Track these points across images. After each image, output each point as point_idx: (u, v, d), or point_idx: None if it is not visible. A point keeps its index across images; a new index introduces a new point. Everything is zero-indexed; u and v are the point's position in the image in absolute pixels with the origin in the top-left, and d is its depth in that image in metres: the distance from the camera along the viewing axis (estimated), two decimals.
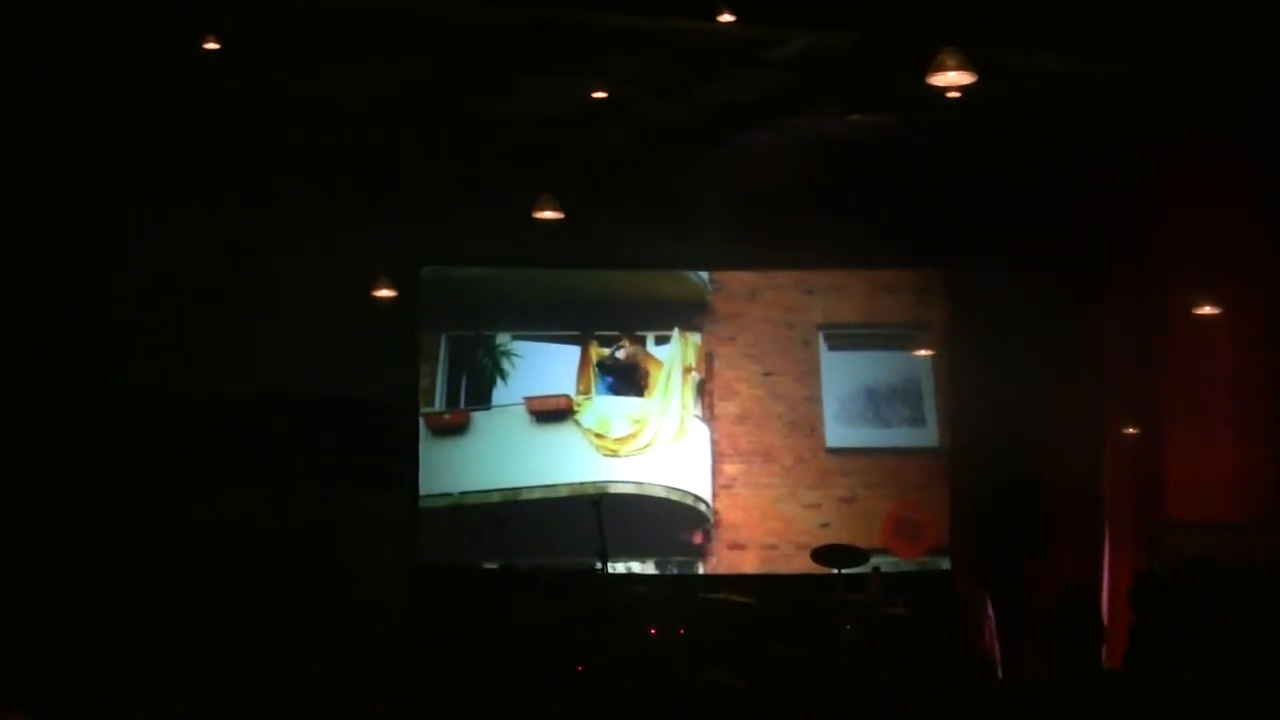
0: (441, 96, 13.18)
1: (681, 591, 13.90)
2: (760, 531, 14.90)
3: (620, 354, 15.05)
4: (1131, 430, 13.56)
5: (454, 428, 14.90)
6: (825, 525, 14.81)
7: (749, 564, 14.84)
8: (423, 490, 14.72)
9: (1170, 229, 13.26)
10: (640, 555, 14.74)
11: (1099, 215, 13.92)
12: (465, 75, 12.64)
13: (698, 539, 14.88)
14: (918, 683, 11.80)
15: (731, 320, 15.12)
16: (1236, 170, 12.60)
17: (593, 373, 15.03)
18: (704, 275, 15.16)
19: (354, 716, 9.83)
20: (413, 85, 13.02)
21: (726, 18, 10.46)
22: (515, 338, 15.01)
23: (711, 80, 12.84)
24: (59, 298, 14.05)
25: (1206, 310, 12.47)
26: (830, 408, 15.08)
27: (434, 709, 10.34)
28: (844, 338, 15.17)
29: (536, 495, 14.82)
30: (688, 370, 15.05)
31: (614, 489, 14.74)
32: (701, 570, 14.85)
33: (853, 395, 15.08)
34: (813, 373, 15.11)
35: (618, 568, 13.83)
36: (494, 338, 15.00)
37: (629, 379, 15.06)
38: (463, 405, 14.93)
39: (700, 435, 14.99)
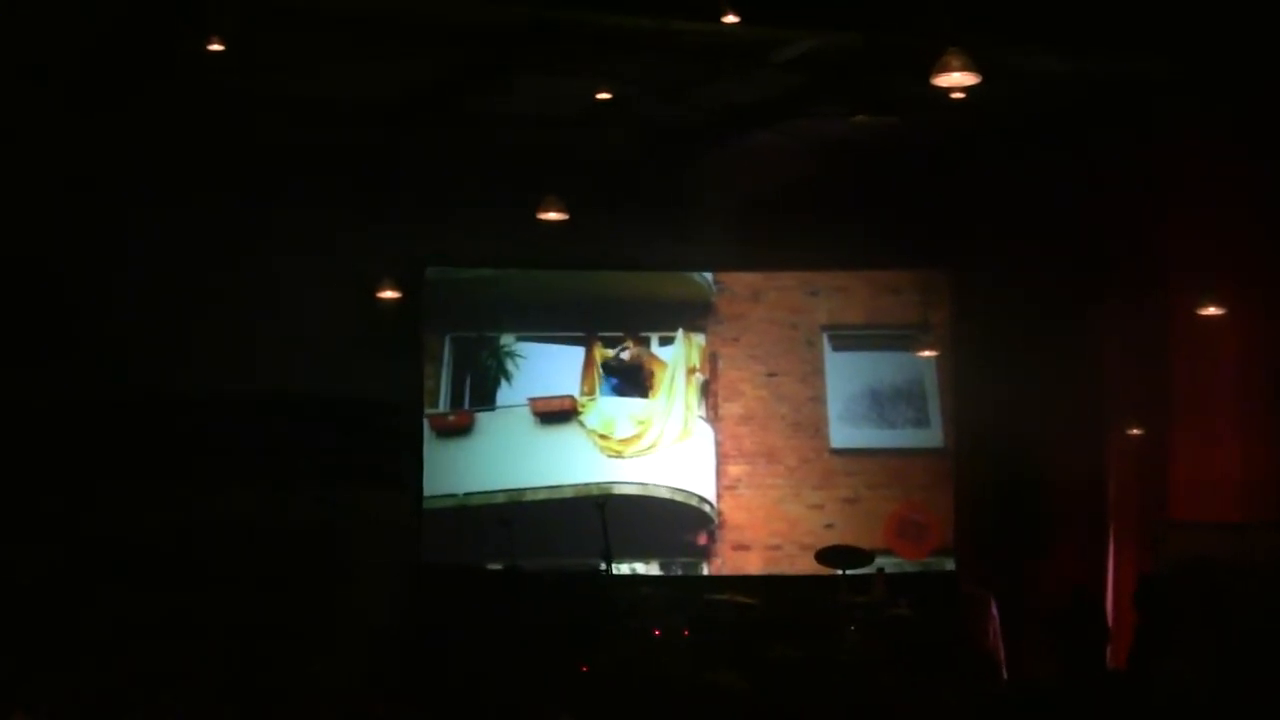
0: (444, 97, 13.19)
1: (686, 592, 13.89)
2: (764, 532, 14.89)
3: (625, 355, 15.05)
4: (1134, 431, 13.56)
5: (458, 429, 14.90)
6: (829, 526, 14.80)
7: (753, 565, 14.83)
8: (427, 491, 14.72)
9: (1172, 229, 13.26)
10: (644, 556, 14.73)
11: (1101, 215, 13.92)
12: (468, 76, 12.64)
13: (702, 540, 14.88)
14: (922, 683, 11.81)
15: (735, 321, 15.11)
16: (1237, 170, 12.60)
17: (597, 374, 15.03)
18: (708, 276, 15.15)
19: (357, 717, 9.85)
20: (415, 86, 13.03)
21: (731, 19, 10.46)
22: (519, 339, 15.01)
23: (714, 81, 12.84)
24: (60, 297, 14.06)
25: (1208, 310, 12.46)
26: (834, 408, 15.07)
27: (438, 710, 10.36)
28: (848, 338, 15.16)
29: (541, 496, 14.81)
30: (692, 371, 15.04)
31: (618, 490, 14.74)
32: (706, 571, 14.84)
33: (857, 396, 15.07)
34: (817, 373, 15.10)
35: (622, 569, 13.81)
36: (498, 339, 15.00)
37: (633, 380, 15.06)
38: (467, 406, 14.93)
39: (704, 436, 14.98)
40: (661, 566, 14.82)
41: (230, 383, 14.42)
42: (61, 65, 12.37)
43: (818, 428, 15.04)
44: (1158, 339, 13.38)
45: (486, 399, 14.94)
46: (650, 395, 15.03)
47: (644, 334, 15.09)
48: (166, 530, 13.90)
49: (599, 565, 13.04)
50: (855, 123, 13.60)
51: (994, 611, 14.10)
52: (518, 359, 14.98)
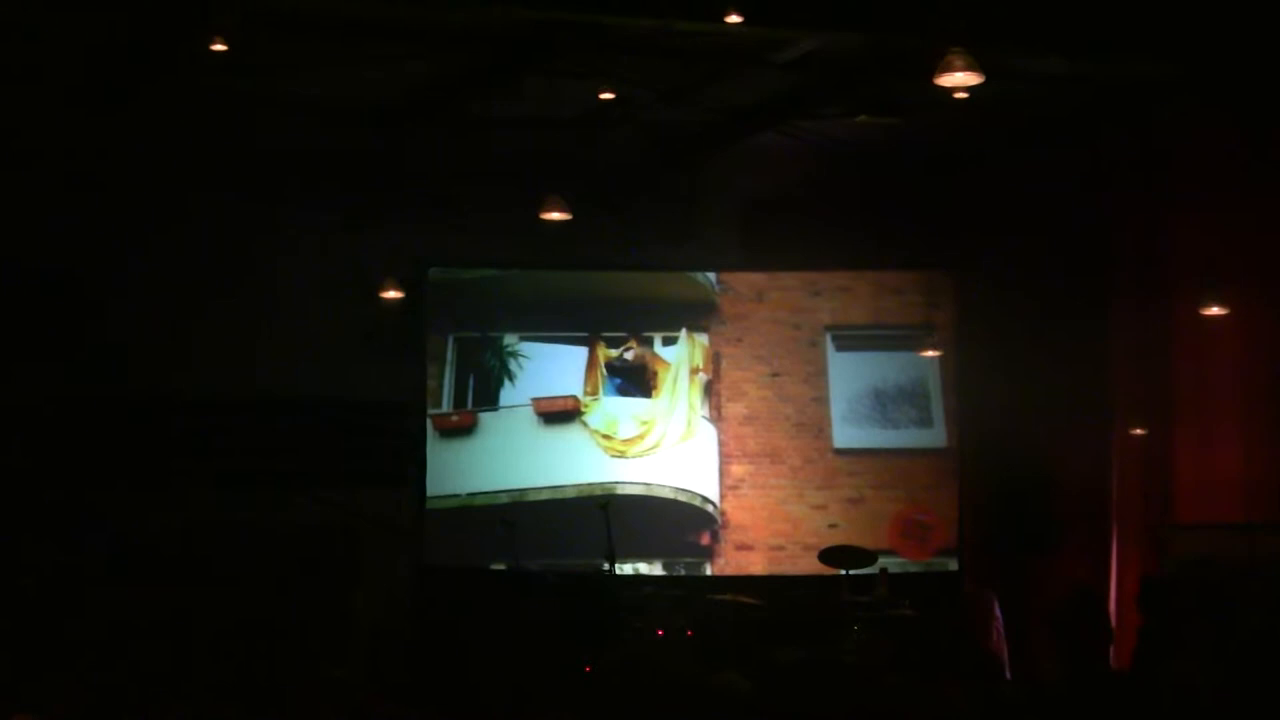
0: (449, 99, 13.18)
1: (689, 592, 13.88)
2: (767, 532, 14.89)
3: (628, 355, 15.04)
4: (1139, 431, 13.54)
5: (461, 429, 14.90)
6: (833, 526, 14.79)
7: (756, 565, 14.83)
8: (430, 491, 14.72)
9: (1176, 230, 13.26)
10: (647, 556, 14.73)
11: (1105, 216, 13.91)
12: (471, 78, 12.64)
13: (705, 540, 14.88)
14: (925, 683, 11.79)
15: (738, 321, 15.11)
16: (1243, 172, 12.60)
17: (600, 374, 15.02)
18: (711, 276, 15.14)
19: (363, 717, 9.83)
20: (419, 88, 13.03)
21: (734, 19, 10.46)
22: (522, 339, 15.01)
23: (718, 82, 12.83)
24: (62, 298, 14.07)
25: (1212, 311, 12.44)
26: (838, 409, 15.06)
27: (441, 710, 10.34)
28: (851, 339, 15.15)
29: (544, 496, 14.81)
30: (695, 371, 15.04)
31: (621, 490, 14.73)
32: (709, 571, 14.84)
33: (860, 396, 15.07)
34: (820, 374, 15.10)
35: (625, 569, 13.81)
36: (501, 339, 15.00)
37: (636, 380, 15.06)
38: (470, 406, 14.93)
39: (707, 436, 14.98)
40: (664, 567, 14.82)
41: (233, 383, 14.44)
42: (63, 66, 12.37)
43: (821, 428, 15.03)
44: (1161, 339, 13.38)
45: (490, 399, 14.94)
46: (653, 395, 15.02)
47: (647, 334, 15.09)
48: (169, 531, 13.90)
49: (602, 565, 13.04)
50: (858, 123, 13.59)
51: (997, 612, 14.08)
52: (521, 359, 14.98)
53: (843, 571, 13.54)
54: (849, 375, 15.11)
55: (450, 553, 14.63)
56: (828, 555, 13.75)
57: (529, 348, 15.01)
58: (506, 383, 14.95)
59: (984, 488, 14.82)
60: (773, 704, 9.50)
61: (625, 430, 14.96)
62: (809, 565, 14.14)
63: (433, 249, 14.77)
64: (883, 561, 13.85)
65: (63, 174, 13.88)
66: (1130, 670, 11.79)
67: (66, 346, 14.05)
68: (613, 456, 14.93)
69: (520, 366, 14.96)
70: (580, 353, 15.06)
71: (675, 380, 15.03)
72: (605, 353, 15.05)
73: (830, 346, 15.13)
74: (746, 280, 15.15)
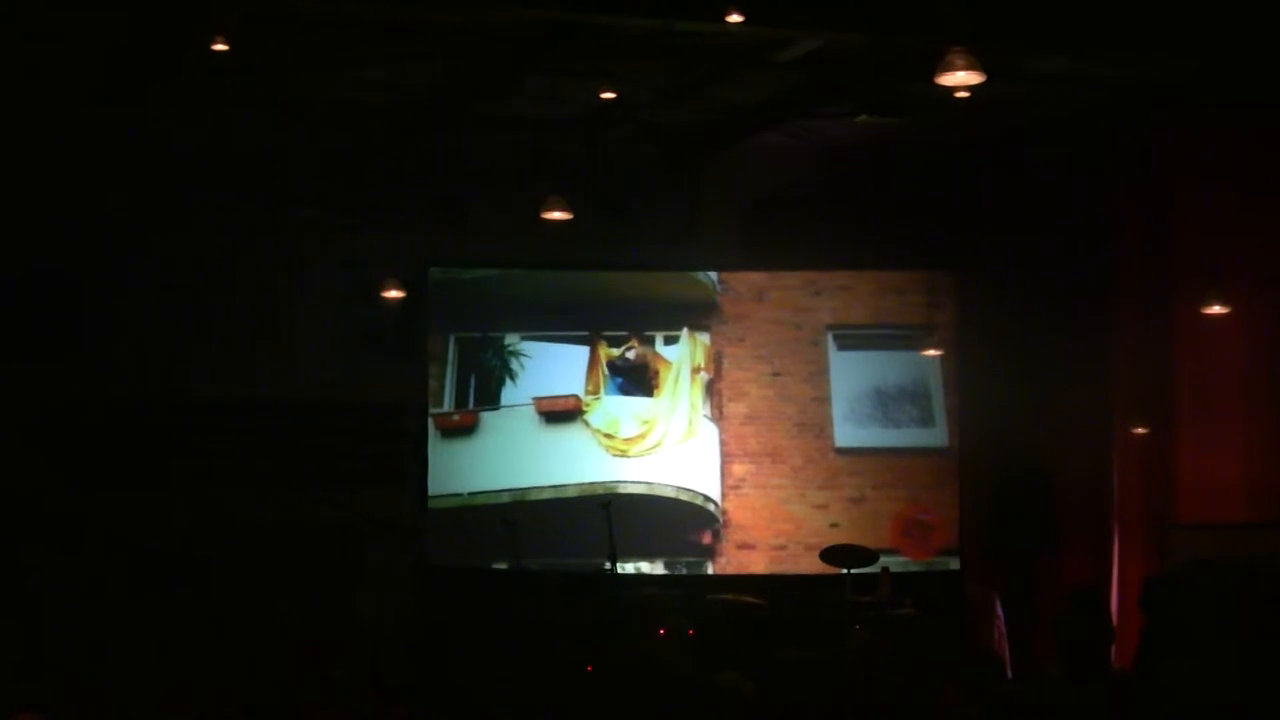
0: (451, 99, 13.18)
1: (690, 592, 13.87)
2: (769, 532, 14.88)
3: (629, 354, 15.04)
4: (1141, 431, 13.53)
5: (463, 428, 14.89)
6: (834, 525, 14.78)
7: (758, 564, 14.82)
8: (431, 491, 14.70)
9: (1180, 230, 13.26)
10: (649, 556, 14.72)
11: (1107, 216, 13.91)
12: (473, 78, 12.64)
13: (706, 539, 14.87)
14: (927, 683, 11.79)
15: (740, 321, 15.09)
16: (1246, 172, 12.59)
17: (601, 373, 15.02)
18: (712, 276, 15.13)
19: (364, 718, 9.84)
20: (423, 88, 13.02)
21: (735, 18, 10.45)
22: (524, 338, 15.00)
23: (719, 82, 12.83)
24: (63, 301, 14.07)
25: (1216, 311, 12.45)
26: (839, 408, 15.05)
27: (442, 710, 10.34)
28: (852, 338, 15.14)
29: (545, 496, 14.80)
30: (696, 370, 15.04)
31: (623, 489, 14.71)
32: (710, 571, 14.83)
33: (862, 396, 15.05)
34: (821, 373, 15.08)
35: (626, 568, 13.81)
36: (503, 338, 14.99)
37: (638, 379, 15.05)
38: (471, 406, 14.92)
39: (709, 435, 14.98)
40: (666, 566, 14.82)
41: (233, 384, 14.43)
42: (63, 66, 12.36)
43: (822, 427, 15.02)
44: (1163, 339, 13.37)
45: (491, 398, 14.93)
46: (655, 395, 15.02)
47: (649, 333, 15.07)
48: (171, 532, 13.90)
49: (603, 565, 13.04)
50: (860, 123, 13.59)
51: (999, 611, 14.09)
52: (522, 358, 14.97)
53: (844, 571, 13.52)
54: (850, 375, 15.09)
55: (452, 553, 14.63)
56: (829, 554, 13.73)
57: (530, 347, 15.00)
58: (508, 382, 14.94)
59: (985, 487, 14.81)
60: (774, 703, 9.50)
61: (627, 429, 14.96)
62: (810, 565, 14.13)
63: (434, 249, 14.75)
64: (884, 561, 13.83)
65: (63, 174, 13.86)
66: (1132, 670, 11.79)
67: (66, 347, 14.05)
68: (614, 456, 14.92)
69: (521, 366, 14.95)
70: (582, 352, 15.05)
71: (677, 380, 15.02)
72: (607, 352, 15.04)
73: (831, 346, 15.11)
74: (748, 279, 15.14)
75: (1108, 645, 12.58)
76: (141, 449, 14.30)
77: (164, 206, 14.21)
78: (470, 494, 14.76)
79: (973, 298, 14.88)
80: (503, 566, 13.91)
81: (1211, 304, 12.42)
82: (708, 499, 14.87)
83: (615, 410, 14.98)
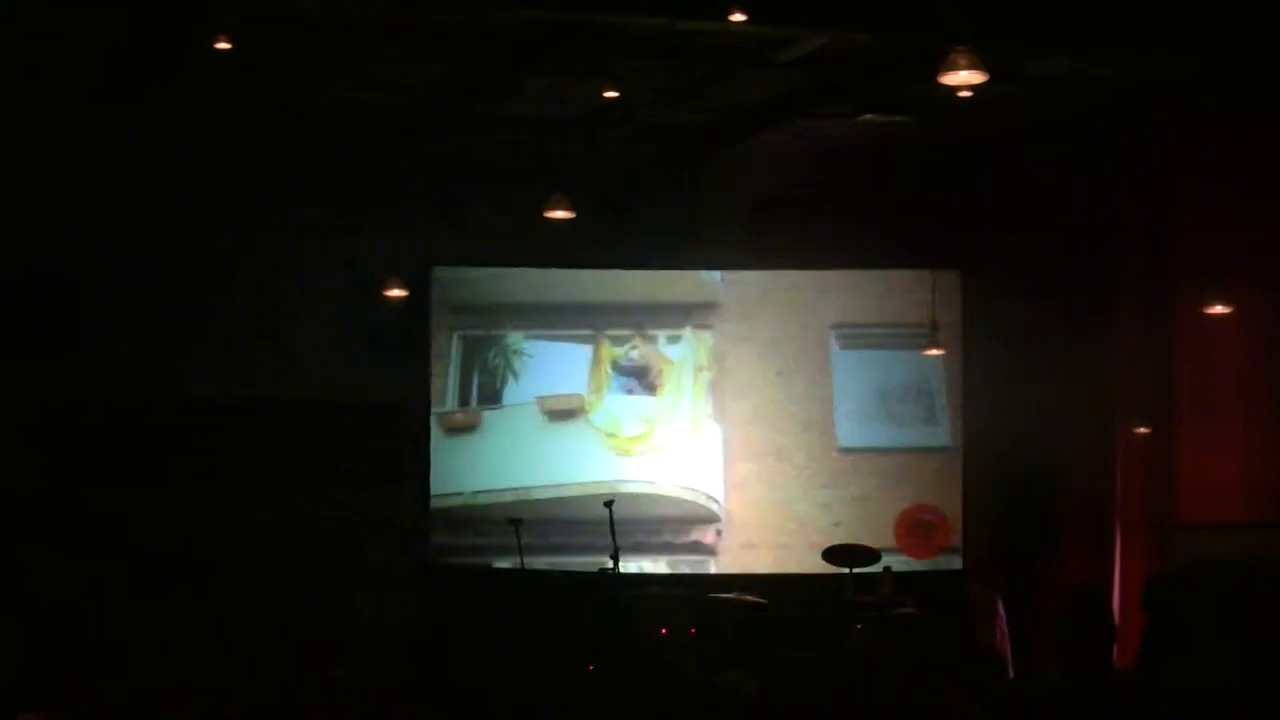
0: (453, 98, 13.18)
1: (693, 591, 13.85)
2: (772, 531, 14.87)
3: (633, 353, 15.03)
4: (1143, 431, 13.52)
5: (466, 427, 14.90)
6: (837, 525, 14.76)
7: (761, 563, 14.80)
8: (434, 490, 14.71)
9: (1182, 230, 13.25)
10: (652, 554, 14.73)
11: (1112, 216, 13.90)
12: (474, 78, 12.64)
13: (709, 538, 14.87)
14: (929, 682, 11.79)
15: (743, 320, 15.08)
16: (1247, 171, 12.58)
17: (605, 372, 15.02)
18: (716, 275, 15.12)
19: (366, 718, 9.85)
20: (424, 87, 13.03)
21: (738, 17, 10.45)
22: (527, 337, 15.00)
23: (721, 81, 12.82)
24: (64, 301, 14.08)
25: (1217, 310, 12.44)
26: (843, 407, 15.04)
27: (442, 710, 10.35)
28: (856, 337, 15.13)
29: (548, 495, 14.80)
30: (700, 369, 15.04)
31: (626, 488, 14.68)
32: (713, 570, 14.83)
33: (865, 395, 15.05)
34: (825, 372, 15.07)
35: (629, 567, 13.79)
36: (506, 337, 14.99)
37: (641, 378, 15.05)
38: (474, 405, 14.93)
39: (712, 434, 14.97)
40: (669, 565, 14.82)
41: (233, 384, 14.45)
42: (63, 66, 12.38)
43: (826, 426, 15.01)
44: (1164, 339, 13.37)
45: (494, 397, 14.94)
46: (658, 394, 15.02)
47: (652, 332, 15.07)
48: (171, 532, 13.92)
49: (606, 564, 13.04)
50: (863, 122, 13.58)
51: (1001, 611, 14.08)
52: (525, 357, 14.97)
53: (847, 570, 13.52)
54: (854, 374, 15.08)
55: (455, 551, 14.64)
56: (832, 554, 13.72)
57: (533, 346, 15.00)
58: (511, 381, 14.94)
59: (988, 487, 14.81)
60: (777, 702, 9.51)
61: (630, 428, 14.96)
62: (813, 564, 14.10)
63: (434, 248, 14.76)
64: (887, 560, 13.82)
65: (63, 174, 13.88)
66: (1133, 670, 11.79)
67: (66, 347, 14.06)
68: (617, 455, 14.93)
69: (525, 365, 14.96)
70: (585, 351, 15.05)
71: (680, 378, 15.02)
72: (610, 351, 15.04)
73: (835, 345, 15.10)
74: (751, 279, 15.13)
75: (1109, 645, 12.57)
76: (141, 449, 14.32)
77: (164, 206, 14.23)
78: (473, 493, 14.77)
79: (977, 297, 14.87)
80: (505, 565, 13.91)
81: (1211, 304, 12.41)
82: (710, 498, 14.88)
83: (618, 409, 14.99)
